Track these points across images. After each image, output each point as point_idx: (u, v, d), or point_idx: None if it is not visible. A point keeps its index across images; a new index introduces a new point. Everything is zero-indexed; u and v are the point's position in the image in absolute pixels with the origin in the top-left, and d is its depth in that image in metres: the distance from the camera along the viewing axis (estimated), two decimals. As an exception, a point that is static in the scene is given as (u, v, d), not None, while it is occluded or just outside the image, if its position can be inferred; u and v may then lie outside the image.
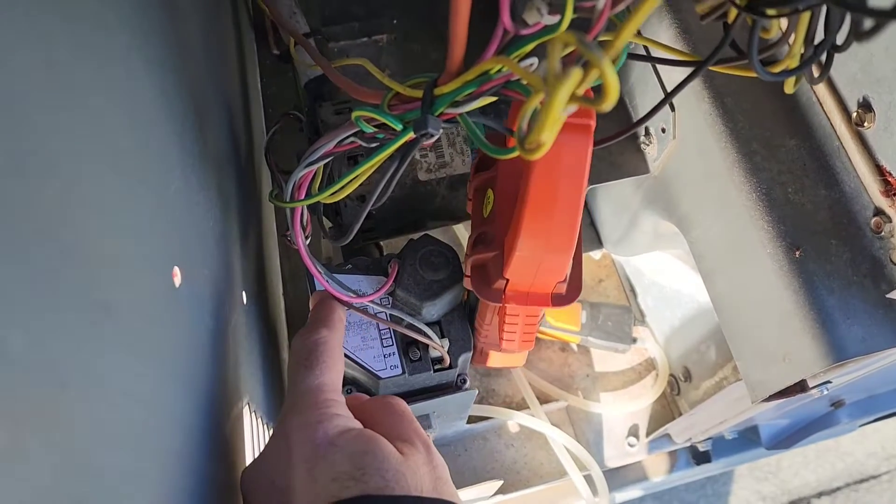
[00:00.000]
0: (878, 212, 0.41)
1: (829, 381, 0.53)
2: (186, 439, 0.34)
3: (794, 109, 0.46)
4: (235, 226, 0.52)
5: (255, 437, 0.49)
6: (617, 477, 0.73)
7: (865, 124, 0.41)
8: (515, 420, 0.69)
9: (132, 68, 0.31)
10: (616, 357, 0.76)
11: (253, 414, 0.51)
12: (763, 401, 0.48)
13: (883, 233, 0.41)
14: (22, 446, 0.18)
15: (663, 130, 0.52)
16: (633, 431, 0.73)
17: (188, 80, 0.42)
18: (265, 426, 0.54)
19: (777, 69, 0.31)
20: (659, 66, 0.51)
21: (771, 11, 0.26)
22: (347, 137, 0.39)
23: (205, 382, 0.38)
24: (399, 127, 0.35)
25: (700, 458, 0.75)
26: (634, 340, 0.74)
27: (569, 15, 0.27)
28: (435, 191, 0.57)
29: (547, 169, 0.35)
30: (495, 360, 0.57)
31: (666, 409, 0.74)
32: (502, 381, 0.73)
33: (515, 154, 0.28)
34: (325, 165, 0.44)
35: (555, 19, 0.28)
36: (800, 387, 0.51)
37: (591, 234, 0.71)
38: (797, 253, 0.43)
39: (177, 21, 0.41)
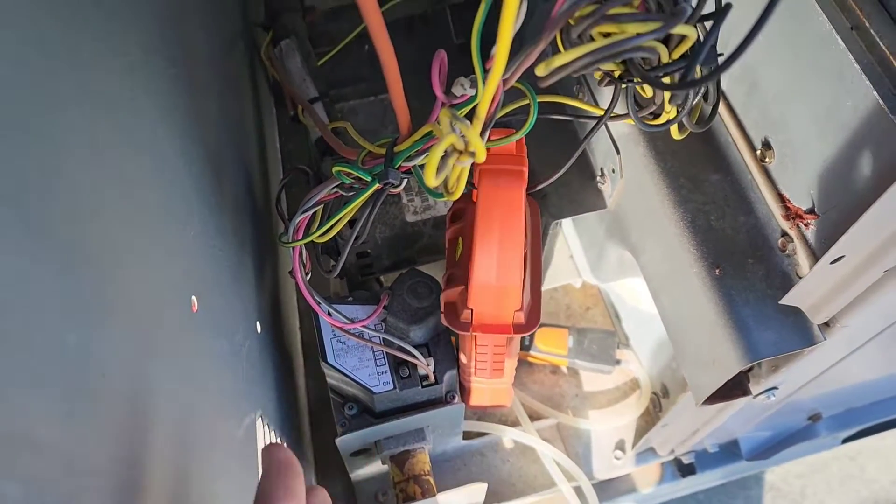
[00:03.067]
0: (784, 233, 0.48)
1: (774, 388, 0.59)
2: (203, 434, 0.42)
3: (715, 149, 0.53)
4: (251, 265, 0.62)
5: (266, 443, 0.57)
6: (606, 489, 0.79)
7: (767, 160, 0.48)
8: (509, 436, 0.76)
9: (158, 138, 0.40)
10: (603, 378, 0.82)
11: (266, 426, 0.59)
12: (705, 403, 0.54)
13: (787, 251, 0.48)
14: (70, 413, 0.27)
15: (613, 171, 0.60)
16: (620, 446, 0.79)
17: (207, 144, 0.52)
18: (277, 436, 0.62)
19: (661, 121, 0.39)
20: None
21: (636, 79, 0.34)
22: (333, 188, 0.48)
23: (219, 390, 0.47)
24: (368, 178, 0.44)
25: (685, 470, 0.81)
26: (618, 362, 0.81)
27: (480, 88, 0.36)
28: (422, 231, 0.66)
29: (487, 209, 0.43)
30: (479, 397, 0.64)
31: (650, 426, 0.80)
32: (498, 401, 0.80)
33: (444, 198, 0.37)
34: (325, 212, 0.53)
35: (473, 91, 0.37)
36: (741, 391, 0.57)
37: (569, 266, 0.79)
38: (717, 271, 0.50)
39: (197, 96, 0.51)
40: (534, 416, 0.79)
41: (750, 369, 0.57)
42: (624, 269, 0.70)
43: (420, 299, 0.61)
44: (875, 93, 0.38)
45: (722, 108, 0.50)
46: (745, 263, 0.50)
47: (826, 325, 0.47)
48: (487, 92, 0.31)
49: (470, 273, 0.47)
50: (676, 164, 0.53)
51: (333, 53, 0.81)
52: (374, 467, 0.71)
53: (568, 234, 0.80)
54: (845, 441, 0.89)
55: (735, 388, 0.56)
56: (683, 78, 0.30)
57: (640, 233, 0.58)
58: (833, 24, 0.39)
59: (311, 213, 0.51)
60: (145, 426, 0.34)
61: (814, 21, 0.40)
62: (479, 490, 0.63)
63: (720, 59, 0.34)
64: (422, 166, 0.42)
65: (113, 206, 0.32)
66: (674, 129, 0.42)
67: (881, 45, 0.38)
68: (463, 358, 0.60)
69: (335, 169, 0.45)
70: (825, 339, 0.47)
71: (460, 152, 0.32)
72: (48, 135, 0.27)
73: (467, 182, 0.45)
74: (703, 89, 0.39)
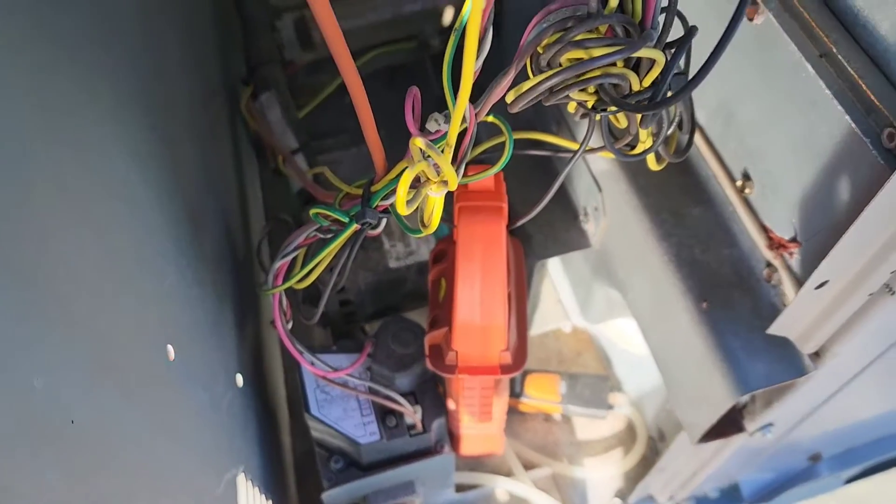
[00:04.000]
0: (768, 264, 0.48)
1: (770, 424, 0.58)
2: (180, 488, 0.40)
3: (696, 183, 0.53)
4: (231, 316, 0.60)
5: (248, 501, 0.55)
6: (605, 540, 0.77)
7: (747, 190, 0.48)
8: (503, 486, 0.74)
9: (131, 184, 0.40)
10: (598, 424, 0.80)
11: (249, 482, 0.57)
12: (700, 441, 0.53)
13: (773, 281, 0.48)
14: (37, 460, 0.25)
15: (596, 209, 0.60)
16: (619, 494, 0.77)
17: (184, 194, 0.51)
18: (262, 494, 0.60)
19: (638, 151, 0.39)
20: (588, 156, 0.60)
21: (609, 108, 0.34)
22: (311, 231, 0.48)
23: (198, 443, 0.45)
24: (346, 219, 0.43)
25: (687, 517, 0.78)
26: (611, 407, 0.79)
27: (454, 124, 0.35)
28: (405, 276, 0.65)
29: (468, 245, 0.43)
30: (470, 445, 0.63)
31: (648, 472, 0.78)
32: (490, 452, 0.78)
33: (421, 234, 0.36)
34: (306, 257, 0.53)
35: (447, 126, 0.37)
36: (736, 428, 0.56)
37: (558, 310, 0.78)
38: (704, 305, 0.49)
39: (174, 146, 0.51)
40: (528, 466, 0.77)
41: (744, 406, 0.56)
42: (612, 309, 0.69)
43: (405, 346, 0.59)
44: (847, 117, 0.38)
45: (700, 142, 0.50)
46: (731, 296, 0.49)
47: (816, 354, 0.46)
48: (455, 117, 0.31)
49: (453, 313, 0.46)
50: (658, 199, 0.53)
51: (315, 105, 0.81)
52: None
53: (555, 277, 0.80)
54: (849, 482, 0.87)
55: (730, 425, 0.55)
56: (653, 99, 0.30)
57: (625, 269, 0.58)
58: (802, 53, 0.40)
59: (290, 257, 0.50)
60: (118, 475, 0.32)
61: (783, 50, 0.41)
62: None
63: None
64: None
65: (82, 249, 0.32)
66: (651, 159, 0.42)
67: (850, 70, 0.38)
68: (451, 404, 0.58)
69: (312, 212, 0.45)
70: (816, 369, 0.46)
71: (433, 182, 0.32)
72: (14, 172, 0.26)
73: (449, 221, 0.44)
74: (677, 118, 0.39)
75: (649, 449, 0.78)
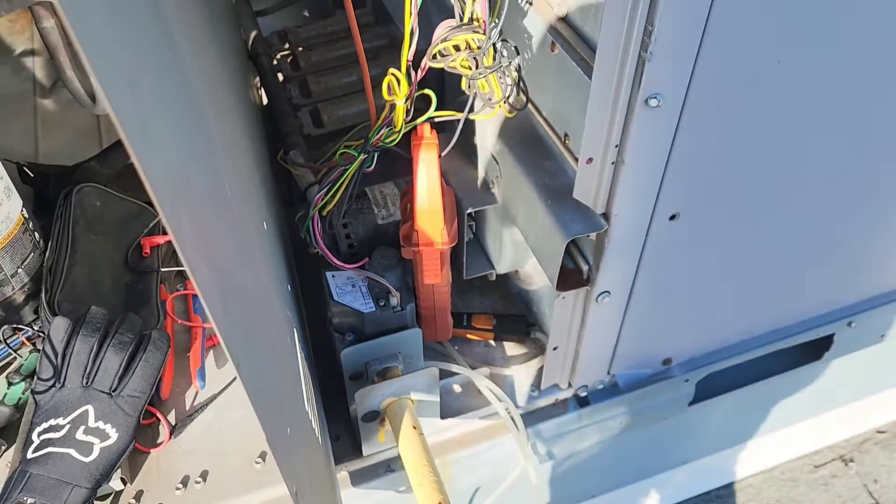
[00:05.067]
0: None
1: (607, 292, 0.98)
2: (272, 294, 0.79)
3: (546, 148, 0.97)
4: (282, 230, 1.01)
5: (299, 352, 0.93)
6: (527, 419, 1.13)
7: (567, 142, 0.92)
8: (459, 372, 1.11)
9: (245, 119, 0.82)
10: (520, 345, 1.19)
11: (297, 336, 0.94)
12: (559, 289, 0.92)
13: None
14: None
15: (497, 177, 1.02)
16: (534, 385, 1.14)
17: (253, 137, 0.93)
18: (301, 352, 0.97)
19: (497, 98, 0.82)
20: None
21: (475, 74, 0.78)
22: (335, 172, 0.90)
23: (279, 289, 0.84)
24: (356, 154, 0.86)
25: (582, 402, 1.15)
26: (529, 333, 1.18)
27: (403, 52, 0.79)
28: (387, 229, 1.06)
29: (419, 162, 0.85)
30: (429, 327, 1.01)
31: (555, 373, 1.16)
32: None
33: (397, 129, 0.79)
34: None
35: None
36: (582, 281, 0.96)
37: (483, 260, 1.18)
38: (549, 202, 0.91)
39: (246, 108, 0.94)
40: (474, 368, 1.14)
41: (587, 277, 0.96)
42: (519, 252, 1.10)
43: (388, 259, 1.00)
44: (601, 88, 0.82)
45: (543, 122, 0.94)
46: (563, 198, 0.91)
47: (605, 215, 0.88)
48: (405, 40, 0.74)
49: (413, 203, 0.87)
50: (527, 162, 0.96)
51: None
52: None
53: (479, 235, 1.21)
54: (697, 401, 1.24)
55: (577, 279, 0.95)
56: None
57: (515, 204, 1.00)
58: (580, 68, 0.85)
59: (325, 189, 0.92)
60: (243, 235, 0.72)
61: (571, 67, 0.86)
62: (434, 373, 0.97)
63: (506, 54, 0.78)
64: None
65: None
66: (505, 108, 0.85)
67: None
68: (419, 285, 0.98)
69: (340, 152, 0.87)
70: (608, 225, 0.88)
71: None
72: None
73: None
74: (518, 82, 0.83)
75: (555, 358, 1.16)
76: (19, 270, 1.06)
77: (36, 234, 1.10)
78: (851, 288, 1.24)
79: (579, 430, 1.18)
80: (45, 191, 1.26)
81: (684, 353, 1.19)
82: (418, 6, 0.73)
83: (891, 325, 1.32)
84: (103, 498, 1.02)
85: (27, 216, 1.07)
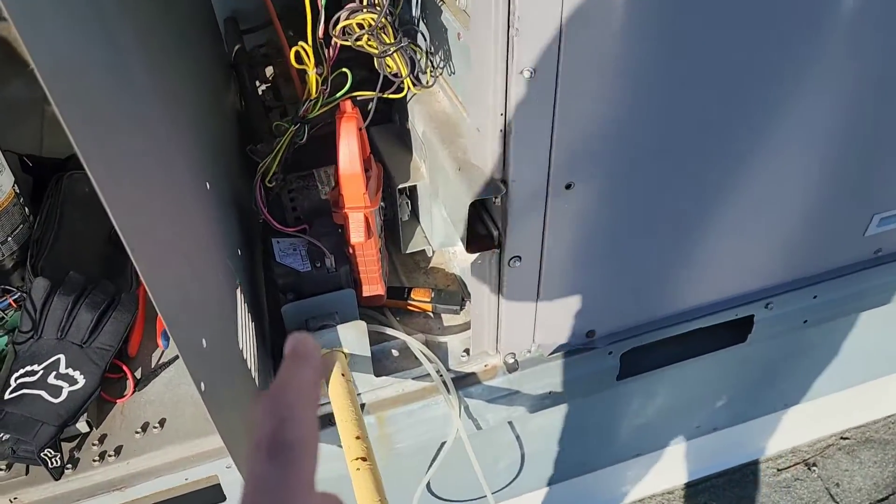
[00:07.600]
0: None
1: (518, 257, 1.10)
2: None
3: (457, 119, 1.10)
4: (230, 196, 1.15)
5: (242, 312, 1.06)
6: (459, 383, 1.23)
7: (463, 114, 1.05)
8: (401, 338, 1.22)
9: (201, 103, 0.98)
10: (455, 317, 1.30)
11: (243, 297, 1.07)
12: (469, 251, 1.04)
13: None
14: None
15: (424, 159, 1.16)
16: (466, 352, 1.25)
17: (204, 113, 1.08)
18: (248, 313, 1.10)
19: (404, 75, 0.96)
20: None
21: (381, 52, 0.92)
22: (275, 142, 1.04)
23: (220, 240, 0.98)
24: (288, 125, 1.00)
25: (511, 367, 1.25)
26: (462, 306, 1.29)
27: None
28: (328, 204, 1.20)
29: (340, 133, 0.99)
30: (365, 293, 1.14)
31: (486, 341, 1.27)
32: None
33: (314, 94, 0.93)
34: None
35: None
36: (492, 245, 1.07)
37: (421, 237, 1.31)
38: (459, 169, 1.04)
39: (215, 92, 1.09)
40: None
41: (499, 241, 1.07)
42: (448, 229, 1.23)
43: (326, 227, 1.13)
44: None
45: (455, 98, 1.08)
46: (473, 167, 1.04)
47: (503, 181, 1.00)
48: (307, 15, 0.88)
49: (338, 170, 1.01)
50: (446, 134, 1.10)
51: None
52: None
53: (416, 214, 1.33)
54: (625, 377, 1.34)
55: (486, 242, 1.06)
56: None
57: (436, 179, 1.13)
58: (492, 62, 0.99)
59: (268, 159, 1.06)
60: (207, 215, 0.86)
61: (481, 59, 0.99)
62: (361, 326, 1.09)
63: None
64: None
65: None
66: (408, 83, 0.99)
67: (486, 48, 0.97)
68: (350, 249, 1.11)
69: (275, 124, 1.01)
70: (505, 190, 1.00)
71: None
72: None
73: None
74: (420, 60, 0.97)
75: (487, 329, 1.27)
76: (9, 239, 1.21)
77: (26, 209, 1.25)
78: (767, 269, 1.33)
79: (508, 396, 1.28)
80: (43, 180, 1.42)
81: (607, 325, 1.29)
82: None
83: (812, 310, 1.40)
84: (71, 439, 1.15)
85: (18, 192, 1.22)
